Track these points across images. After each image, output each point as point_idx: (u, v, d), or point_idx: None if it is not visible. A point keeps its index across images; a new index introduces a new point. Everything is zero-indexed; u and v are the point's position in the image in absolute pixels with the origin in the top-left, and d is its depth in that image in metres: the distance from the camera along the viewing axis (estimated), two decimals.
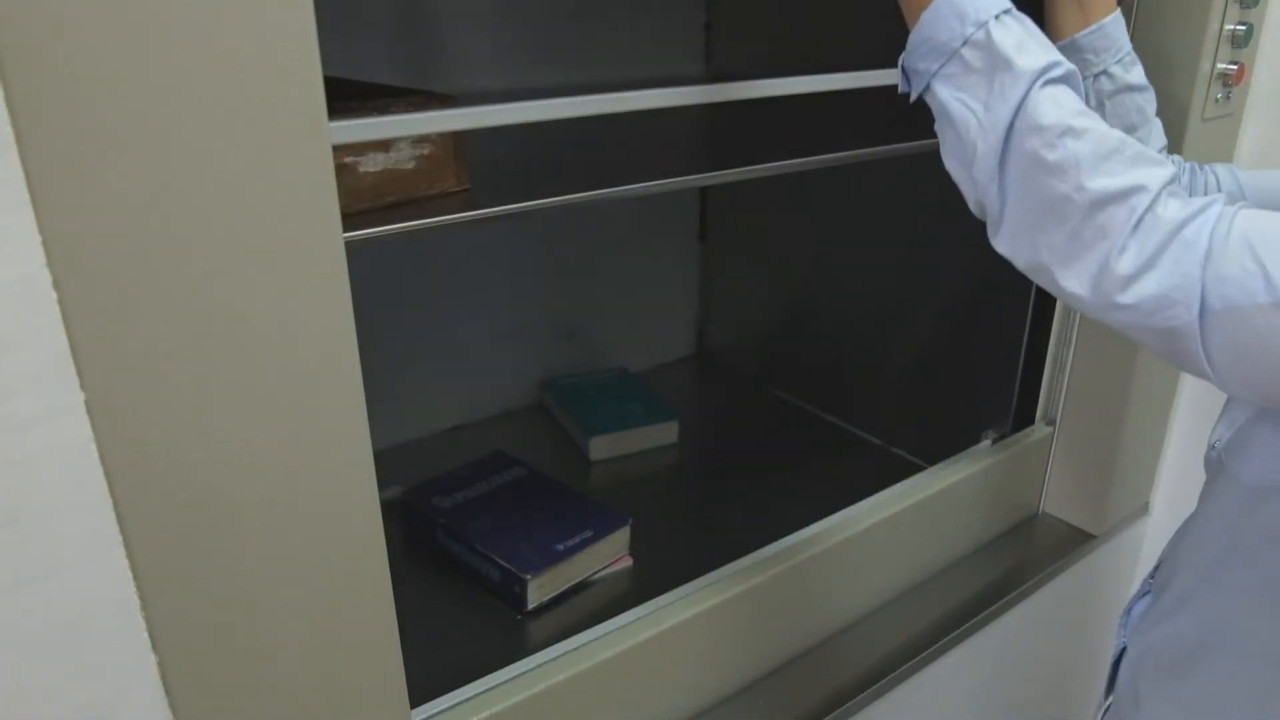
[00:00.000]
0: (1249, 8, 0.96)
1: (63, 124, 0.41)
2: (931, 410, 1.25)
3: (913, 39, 0.62)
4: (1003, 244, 0.61)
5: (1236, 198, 0.77)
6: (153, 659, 0.50)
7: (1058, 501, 1.20)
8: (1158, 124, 0.84)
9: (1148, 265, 0.53)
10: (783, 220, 1.39)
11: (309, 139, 0.48)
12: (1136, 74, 0.82)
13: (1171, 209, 0.54)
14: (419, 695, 0.69)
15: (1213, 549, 0.68)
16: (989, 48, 0.58)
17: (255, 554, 0.52)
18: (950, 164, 0.63)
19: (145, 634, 0.49)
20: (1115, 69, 0.81)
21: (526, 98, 0.65)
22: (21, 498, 0.44)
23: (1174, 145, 0.98)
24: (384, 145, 0.67)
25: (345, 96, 0.59)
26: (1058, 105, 0.57)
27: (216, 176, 0.45)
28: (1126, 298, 0.54)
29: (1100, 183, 0.54)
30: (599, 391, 1.35)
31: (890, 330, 1.29)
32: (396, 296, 1.19)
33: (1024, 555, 1.13)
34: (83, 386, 0.44)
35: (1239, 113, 1.04)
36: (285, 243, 0.49)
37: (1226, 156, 1.06)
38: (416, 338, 1.23)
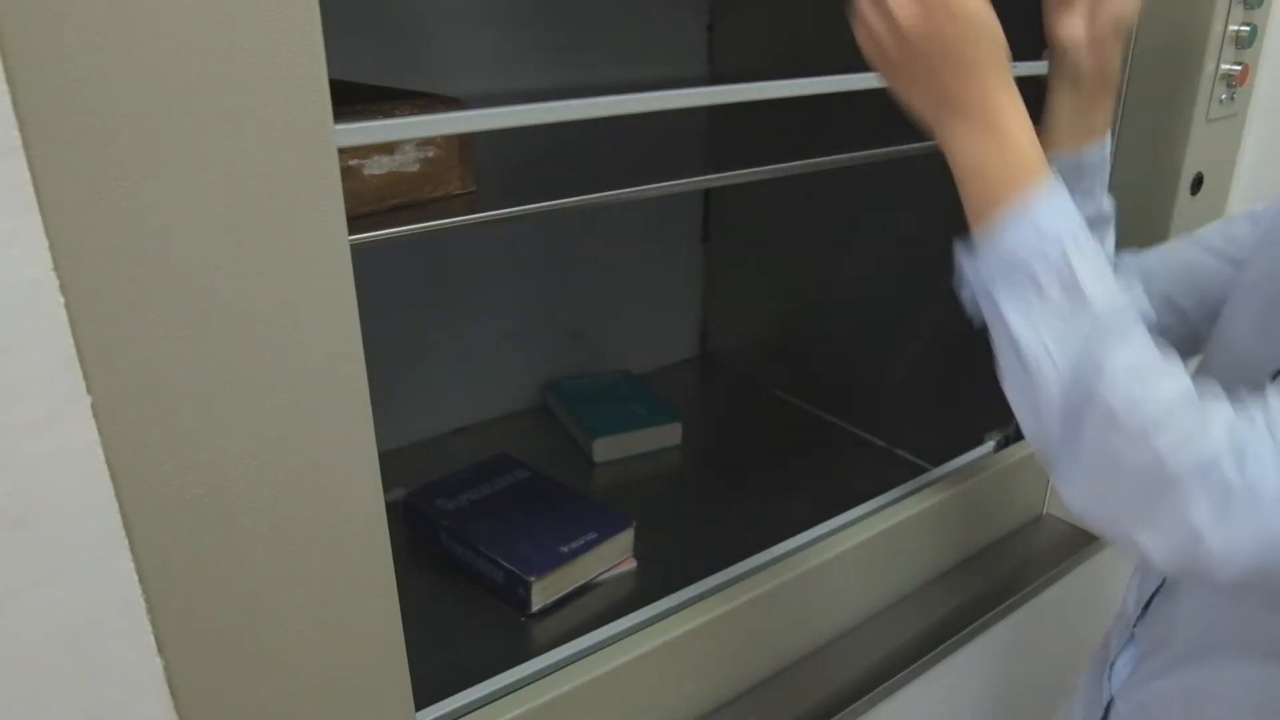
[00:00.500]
0: (1253, 9, 0.96)
1: (69, 128, 0.41)
2: (934, 412, 1.25)
3: (983, 247, 0.55)
4: (1067, 494, 0.54)
5: (1150, 278, 0.77)
6: (158, 662, 0.50)
7: (1061, 504, 1.19)
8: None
9: (1237, 542, 0.47)
10: (786, 222, 1.39)
11: (314, 142, 0.48)
12: (1109, 202, 0.79)
13: (1249, 473, 0.47)
14: (424, 697, 0.69)
15: (1214, 613, 0.66)
16: (1068, 277, 0.51)
17: (260, 556, 0.53)
18: (1010, 391, 0.56)
19: (151, 637, 0.50)
20: (1104, 199, 0.78)
21: (530, 100, 0.65)
22: (28, 501, 0.44)
23: (1177, 147, 0.98)
24: (389, 148, 0.67)
25: (350, 99, 0.59)
26: (1140, 356, 0.50)
27: (222, 180, 0.45)
28: (1226, 573, 0.48)
29: (1180, 457, 0.48)
30: (602, 393, 1.35)
31: (893, 331, 1.29)
32: (400, 298, 1.19)
33: (1027, 557, 1.12)
34: (89, 390, 0.44)
35: (1242, 114, 1.04)
36: (290, 245, 0.49)
37: (1230, 157, 1.06)
38: (420, 339, 1.23)
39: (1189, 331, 0.78)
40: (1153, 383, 0.49)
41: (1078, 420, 0.51)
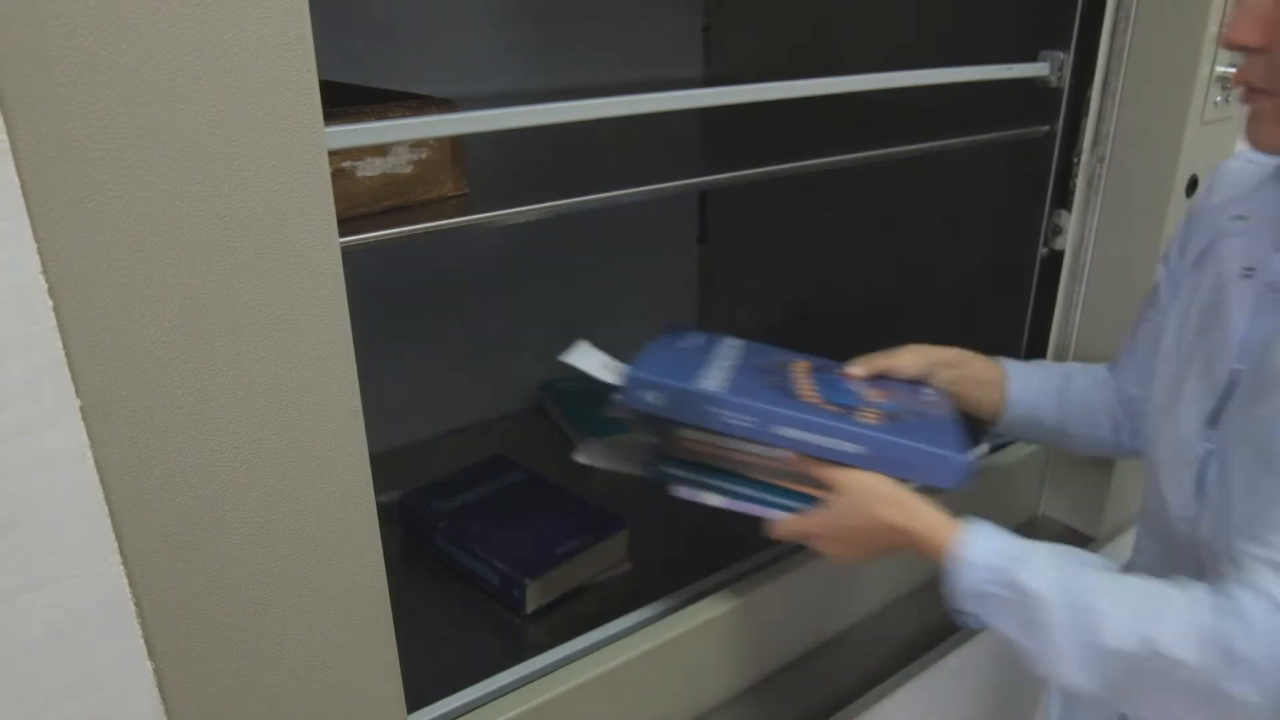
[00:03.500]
0: None
1: (58, 131, 0.41)
2: None
3: (951, 587, 0.69)
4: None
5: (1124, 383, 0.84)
6: (149, 665, 0.50)
7: (1056, 504, 1.19)
8: (1076, 371, 0.89)
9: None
10: (781, 223, 1.39)
11: (304, 144, 0.48)
12: (1049, 381, 0.88)
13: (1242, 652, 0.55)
14: (417, 700, 0.69)
15: None
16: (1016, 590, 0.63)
17: (250, 560, 0.52)
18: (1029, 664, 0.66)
19: (141, 641, 0.49)
20: (1050, 397, 0.86)
21: (524, 101, 0.65)
22: (17, 505, 0.44)
23: (1172, 149, 0.98)
24: (382, 150, 0.67)
25: (341, 101, 0.59)
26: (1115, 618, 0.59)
27: (212, 183, 0.45)
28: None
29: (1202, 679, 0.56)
30: (597, 395, 1.35)
31: (888, 333, 1.28)
32: (395, 299, 1.19)
33: None
34: (78, 394, 0.44)
35: (1238, 116, 1.04)
36: (280, 248, 0.49)
37: (1225, 159, 1.06)
38: (415, 341, 1.23)
39: None
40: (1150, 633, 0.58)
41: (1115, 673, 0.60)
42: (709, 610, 0.84)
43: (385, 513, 0.58)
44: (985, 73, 0.92)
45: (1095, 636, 0.59)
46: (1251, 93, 0.59)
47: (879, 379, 0.87)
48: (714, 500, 0.79)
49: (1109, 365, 0.88)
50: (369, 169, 0.67)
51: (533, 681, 0.75)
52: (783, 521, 0.76)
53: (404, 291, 1.19)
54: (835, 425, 0.73)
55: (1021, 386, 0.87)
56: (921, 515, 0.70)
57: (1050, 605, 0.61)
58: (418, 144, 0.69)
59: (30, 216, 0.41)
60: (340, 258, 0.51)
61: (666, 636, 0.81)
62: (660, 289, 1.52)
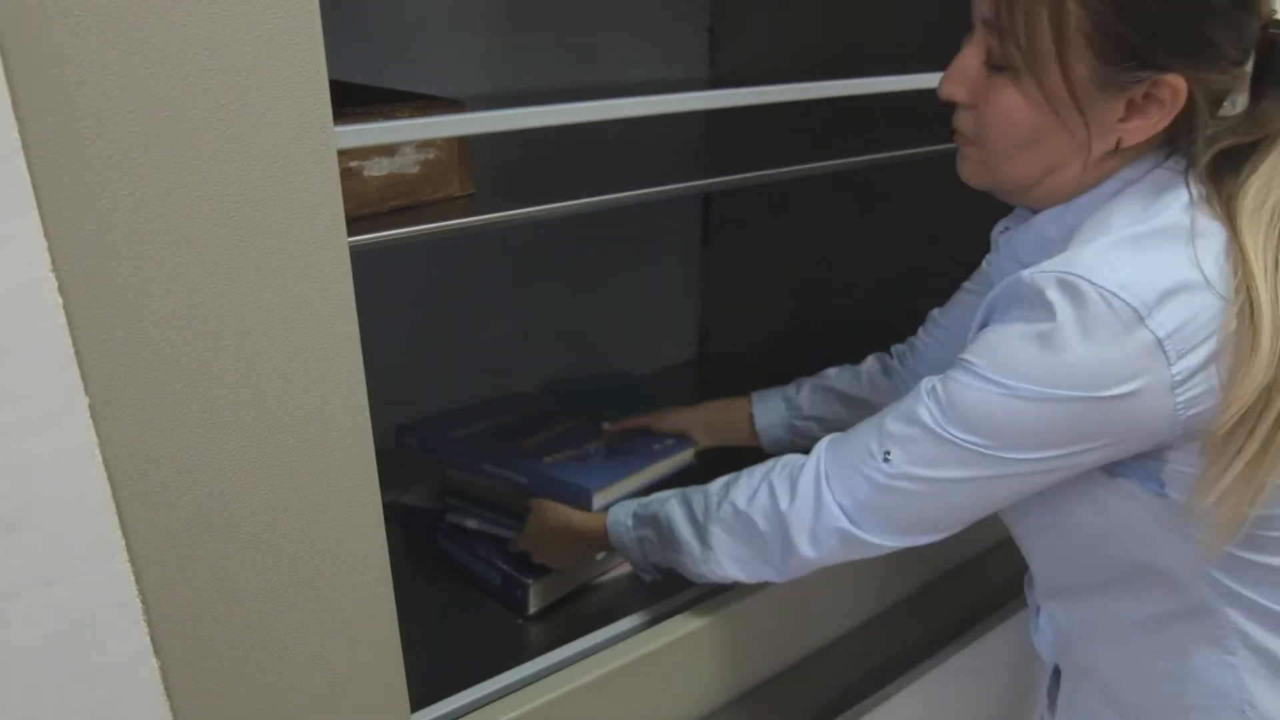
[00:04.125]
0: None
1: (68, 130, 0.41)
2: None
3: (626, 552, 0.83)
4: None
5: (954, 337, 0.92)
6: (154, 663, 0.50)
7: None
8: (865, 369, 1.02)
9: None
10: (785, 225, 1.39)
11: (314, 144, 0.48)
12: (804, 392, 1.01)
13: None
14: (420, 699, 0.69)
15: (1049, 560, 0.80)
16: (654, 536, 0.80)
17: (256, 558, 0.53)
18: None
19: (147, 638, 0.50)
20: (800, 401, 1.01)
21: (531, 102, 0.65)
22: (26, 502, 0.44)
23: None
24: (389, 150, 0.67)
25: (348, 100, 0.59)
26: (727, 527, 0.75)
27: (221, 181, 0.45)
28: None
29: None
30: (602, 395, 1.35)
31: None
32: (399, 300, 1.19)
33: (1022, 562, 1.12)
34: (87, 391, 0.44)
35: None
36: (289, 247, 0.49)
37: None
38: (420, 341, 1.23)
39: None
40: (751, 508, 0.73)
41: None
42: (712, 612, 0.84)
43: (389, 513, 0.58)
44: None
45: (709, 520, 0.74)
46: (959, 136, 0.68)
47: (627, 434, 1.05)
48: (471, 523, 0.98)
49: (908, 342, 1.01)
50: (376, 169, 0.67)
51: (535, 682, 0.75)
52: (512, 538, 0.94)
53: (408, 291, 1.19)
54: (517, 463, 0.95)
55: (763, 413, 1.02)
56: (576, 515, 0.89)
57: (677, 518, 0.77)
58: (425, 144, 0.69)
59: (41, 214, 0.41)
60: (349, 257, 0.51)
61: (670, 637, 0.81)
62: (665, 290, 1.52)
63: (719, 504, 0.74)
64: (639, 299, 1.46)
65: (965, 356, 0.62)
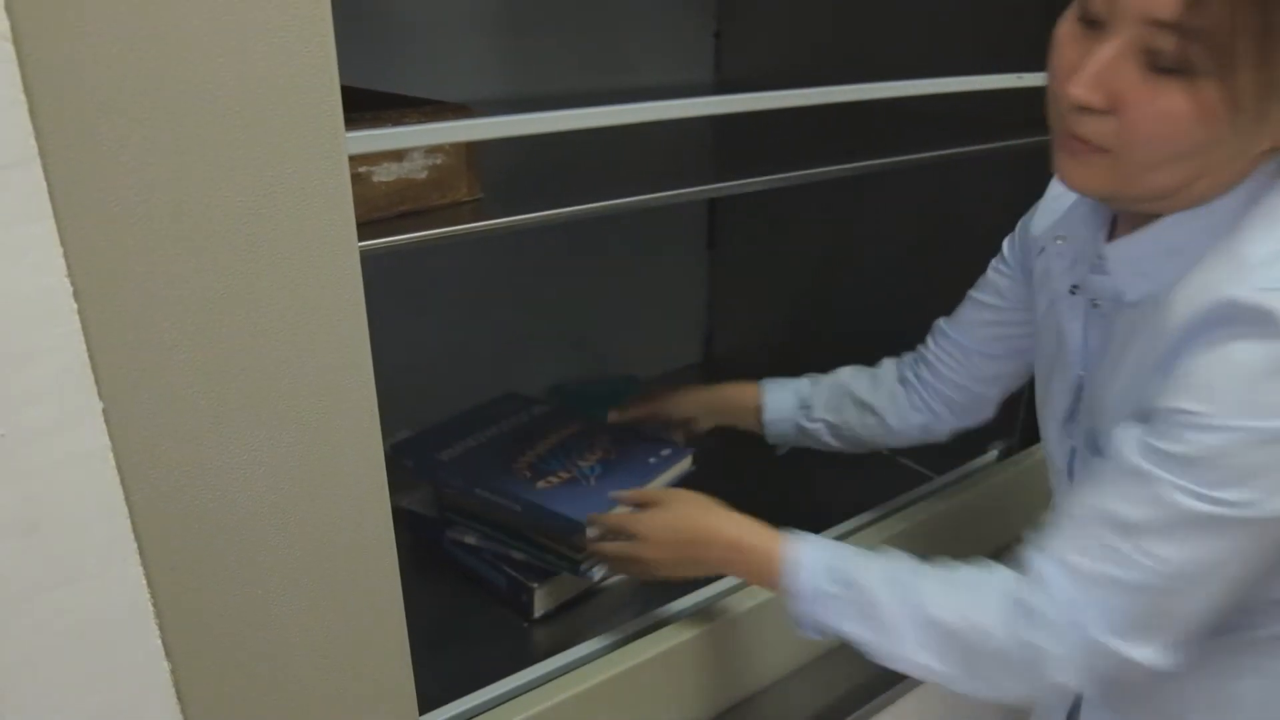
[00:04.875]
0: None
1: (84, 137, 0.41)
2: None
3: (791, 598, 0.72)
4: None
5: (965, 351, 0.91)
6: (166, 666, 0.51)
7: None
8: (882, 375, 0.99)
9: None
10: (790, 228, 1.40)
11: (326, 150, 0.48)
12: (809, 388, 0.99)
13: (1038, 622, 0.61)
14: (427, 702, 0.69)
15: None
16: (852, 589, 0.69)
17: (267, 562, 0.53)
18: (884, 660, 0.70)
19: (159, 641, 0.50)
20: (806, 390, 0.98)
21: (536, 106, 0.65)
22: (39, 506, 0.44)
23: None
24: (397, 155, 0.67)
25: (357, 106, 0.59)
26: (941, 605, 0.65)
27: (235, 189, 0.46)
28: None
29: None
30: (607, 398, 1.35)
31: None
32: (406, 303, 1.19)
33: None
34: (101, 396, 0.44)
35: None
36: (302, 252, 0.49)
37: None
38: (426, 345, 1.23)
39: (1022, 368, 0.89)
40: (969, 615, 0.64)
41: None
42: (717, 616, 0.84)
43: (396, 516, 0.59)
44: (998, 81, 0.92)
45: (923, 612, 0.64)
46: (1079, 143, 0.60)
47: (622, 438, 1.04)
48: (469, 538, 0.97)
49: (919, 350, 0.97)
50: (385, 174, 0.67)
51: (541, 685, 0.75)
52: (610, 514, 0.85)
53: (414, 295, 1.19)
54: (509, 489, 0.93)
55: (773, 407, 1.00)
56: (735, 523, 0.76)
57: (882, 594, 0.66)
58: (433, 149, 0.69)
59: (57, 220, 0.41)
60: (359, 261, 0.52)
61: (673, 642, 0.81)
62: (670, 293, 1.52)
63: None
64: (645, 303, 1.47)
65: (1183, 407, 0.56)
